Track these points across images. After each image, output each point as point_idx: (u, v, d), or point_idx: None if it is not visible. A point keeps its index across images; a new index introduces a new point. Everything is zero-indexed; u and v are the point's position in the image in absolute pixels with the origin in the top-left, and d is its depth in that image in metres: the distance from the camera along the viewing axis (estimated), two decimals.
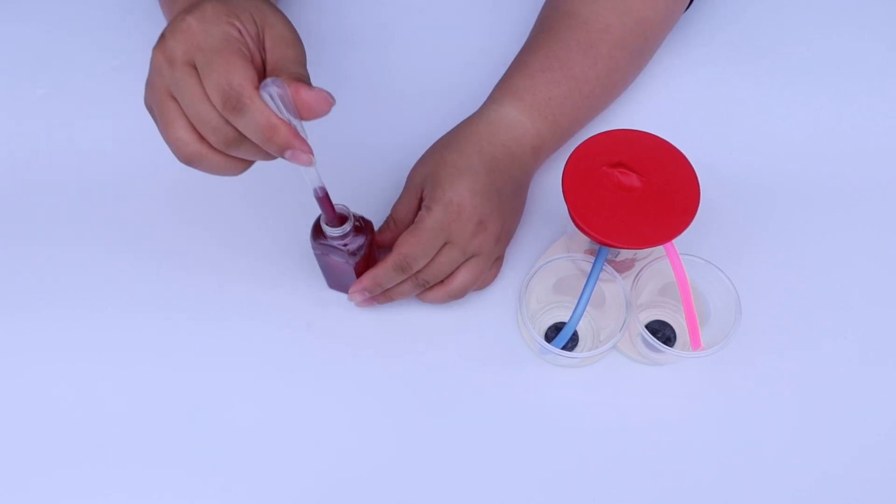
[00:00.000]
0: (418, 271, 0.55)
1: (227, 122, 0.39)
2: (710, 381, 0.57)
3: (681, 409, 0.57)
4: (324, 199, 0.47)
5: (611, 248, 0.51)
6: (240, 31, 0.40)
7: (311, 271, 0.59)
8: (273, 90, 0.39)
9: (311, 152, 0.41)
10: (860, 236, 0.62)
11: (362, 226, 0.53)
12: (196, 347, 0.59)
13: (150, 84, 0.42)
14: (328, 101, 0.41)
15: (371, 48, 0.71)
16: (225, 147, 0.41)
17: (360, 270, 0.55)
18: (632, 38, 0.61)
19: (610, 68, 0.61)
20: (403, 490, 0.54)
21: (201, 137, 0.41)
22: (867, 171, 0.65)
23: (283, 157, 0.41)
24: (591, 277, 0.50)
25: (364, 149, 0.65)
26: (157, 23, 0.67)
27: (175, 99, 0.41)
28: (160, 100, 0.41)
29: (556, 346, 0.51)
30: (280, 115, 0.39)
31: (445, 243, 0.55)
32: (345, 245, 0.52)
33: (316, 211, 0.51)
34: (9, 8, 0.74)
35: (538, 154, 0.60)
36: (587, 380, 0.57)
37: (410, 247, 0.54)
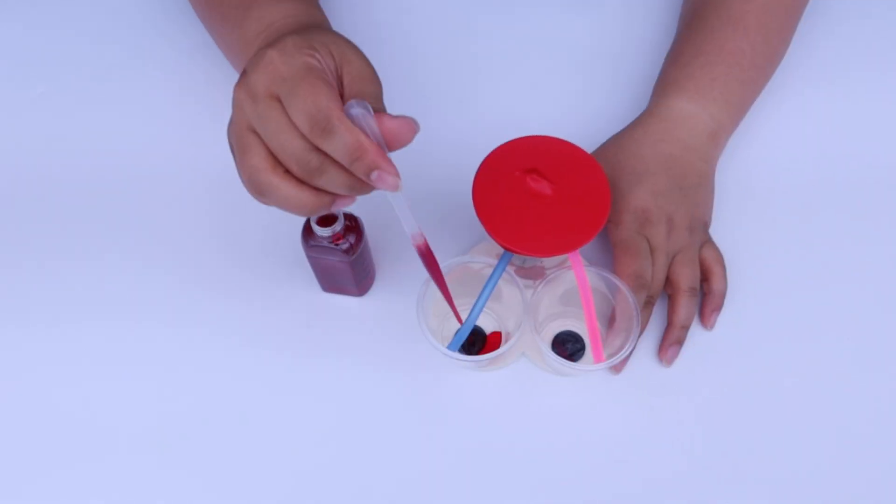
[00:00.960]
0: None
1: (311, 150, 0.39)
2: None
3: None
4: (425, 250, 0.45)
5: (519, 255, 0.51)
6: (319, 62, 0.41)
7: (306, 273, 0.59)
8: (358, 111, 0.39)
9: (398, 175, 0.40)
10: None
11: (353, 224, 0.53)
12: (194, 349, 0.58)
13: (231, 123, 0.42)
14: (412, 129, 0.41)
15: (374, 49, 0.69)
16: (308, 176, 0.40)
17: (355, 269, 0.55)
18: (778, 1, 0.61)
19: (764, 36, 0.61)
20: (403, 490, 0.54)
21: (276, 167, 0.40)
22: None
23: (369, 180, 0.40)
24: (490, 281, 0.49)
25: None
26: (157, 22, 0.68)
27: (255, 132, 0.40)
28: (240, 135, 0.41)
29: (452, 349, 0.51)
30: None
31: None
32: (336, 244, 0.52)
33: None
34: (7, 7, 0.73)
35: (716, 139, 0.60)
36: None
37: (631, 262, 0.54)
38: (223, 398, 0.57)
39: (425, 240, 0.45)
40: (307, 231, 0.52)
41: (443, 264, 0.52)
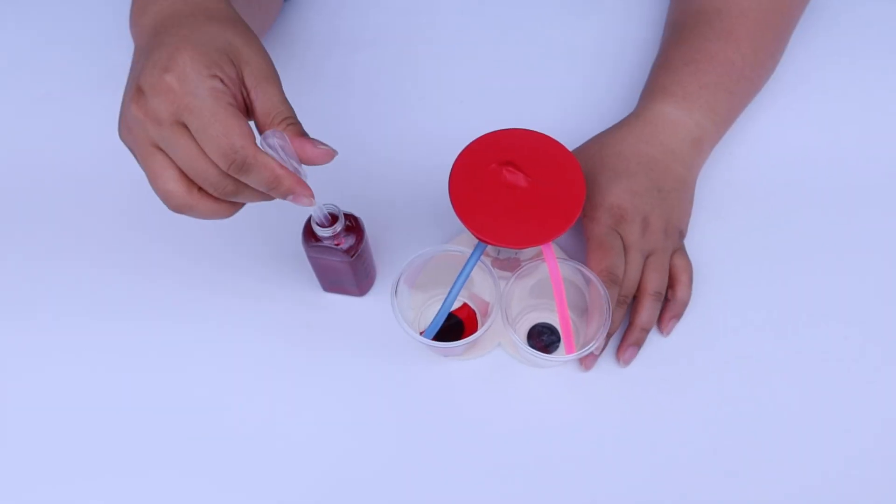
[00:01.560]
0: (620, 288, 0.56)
1: (226, 177, 0.40)
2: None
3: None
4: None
5: (496, 246, 0.51)
6: (223, 81, 0.40)
7: (306, 273, 0.59)
8: (275, 142, 0.40)
9: (311, 195, 0.43)
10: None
11: (353, 224, 0.53)
12: (194, 351, 0.59)
13: (129, 130, 0.41)
14: (330, 155, 0.43)
15: (372, 50, 0.71)
16: (225, 197, 0.42)
17: (356, 270, 0.55)
18: (772, 16, 0.62)
19: (755, 49, 0.61)
20: (404, 490, 0.54)
21: (191, 187, 0.41)
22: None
23: (285, 199, 0.42)
24: (464, 271, 0.50)
25: (364, 149, 0.65)
26: None
27: (162, 150, 0.41)
28: (146, 152, 0.41)
29: (428, 336, 0.52)
30: (283, 164, 0.41)
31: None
32: (337, 245, 0.52)
33: (307, 212, 0.51)
34: (8, 8, 0.74)
35: (699, 146, 0.60)
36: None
37: (603, 258, 0.55)
38: (223, 397, 0.57)
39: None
40: (308, 231, 0.52)
41: (421, 251, 0.53)
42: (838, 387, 0.57)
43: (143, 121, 0.40)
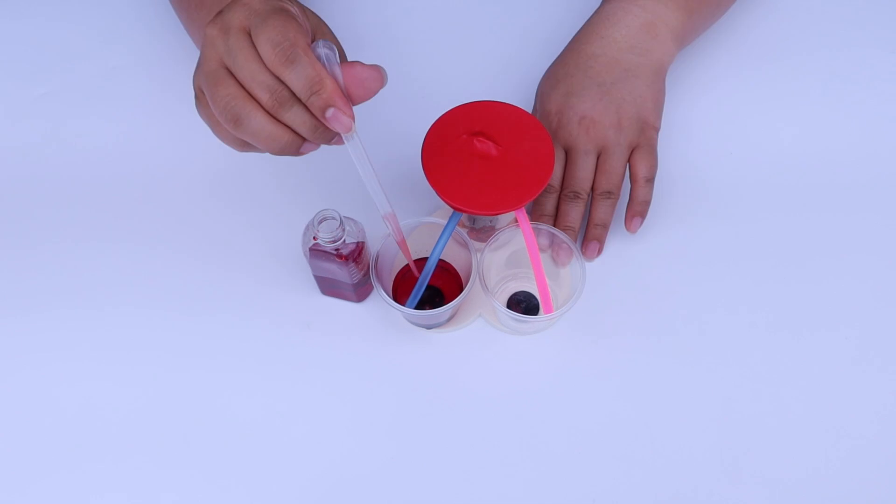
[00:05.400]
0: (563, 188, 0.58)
1: (279, 81, 0.39)
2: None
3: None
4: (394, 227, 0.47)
5: (470, 215, 0.53)
6: (294, 11, 0.41)
7: (307, 275, 0.60)
8: (324, 51, 0.40)
9: (352, 117, 0.40)
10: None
11: (354, 232, 0.53)
12: (194, 349, 0.59)
13: (202, 61, 0.41)
14: (381, 78, 0.41)
15: (374, 49, 0.71)
16: (278, 107, 0.40)
17: (354, 277, 0.55)
18: None
19: None
20: (403, 489, 0.55)
21: (249, 96, 0.40)
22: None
23: (324, 118, 0.40)
24: (440, 240, 0.51)
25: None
26: (157, 22, 0.69)
27: (226, 68, 0.40)
28: (212, 69, 0.41)
29: (410, 307, 0.53)
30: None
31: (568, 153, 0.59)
32: (336, 251, 0.52)
33: (307, 216, 0.51)
34: (9, 7, 0.74)
35: (653, 31, 0.60)
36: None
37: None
38: (223, 396, 0.58)
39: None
40: (309, 234, 0.53)
41: (401, 223, 0.54)
42: (826, 366, 0.58)
43: (214, 38, 0.40)
